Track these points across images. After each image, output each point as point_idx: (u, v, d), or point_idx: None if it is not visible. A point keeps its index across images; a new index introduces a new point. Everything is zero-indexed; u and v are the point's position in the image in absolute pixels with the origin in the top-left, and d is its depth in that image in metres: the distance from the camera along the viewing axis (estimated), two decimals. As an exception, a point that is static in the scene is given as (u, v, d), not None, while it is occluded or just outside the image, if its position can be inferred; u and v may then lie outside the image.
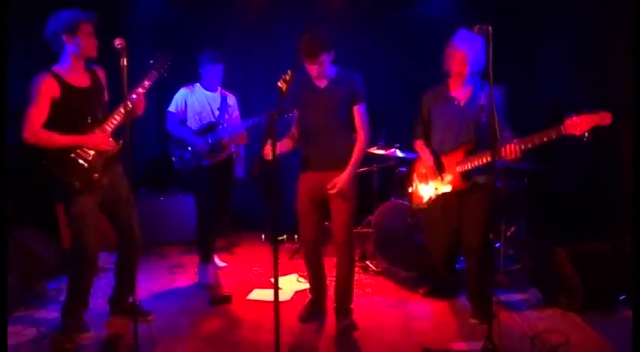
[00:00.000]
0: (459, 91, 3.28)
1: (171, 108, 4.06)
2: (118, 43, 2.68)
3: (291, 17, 5.33)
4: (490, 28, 2.63)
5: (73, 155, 2.91)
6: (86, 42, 2.90)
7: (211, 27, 5.38)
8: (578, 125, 2.72)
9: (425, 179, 3.43)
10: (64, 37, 2.88)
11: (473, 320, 3.27)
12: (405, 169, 4.57)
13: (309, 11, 5.27)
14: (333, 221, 3.23)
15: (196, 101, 4.06)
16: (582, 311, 3.30)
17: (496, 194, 3.33)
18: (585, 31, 4.44)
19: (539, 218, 4.57)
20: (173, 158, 4.04)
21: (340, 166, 3.14)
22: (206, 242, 4.12)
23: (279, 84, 2.62)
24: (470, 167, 3.16)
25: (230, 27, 5.47)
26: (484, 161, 3.08)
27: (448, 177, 3.28)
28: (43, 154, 2.87)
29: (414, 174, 3.55)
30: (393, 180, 4.65)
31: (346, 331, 3.16)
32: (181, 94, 4.07)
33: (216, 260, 4.38)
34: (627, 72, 3.85)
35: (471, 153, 3.18)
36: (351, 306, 3.29)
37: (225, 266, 4.43)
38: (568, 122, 2.76)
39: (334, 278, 3.33)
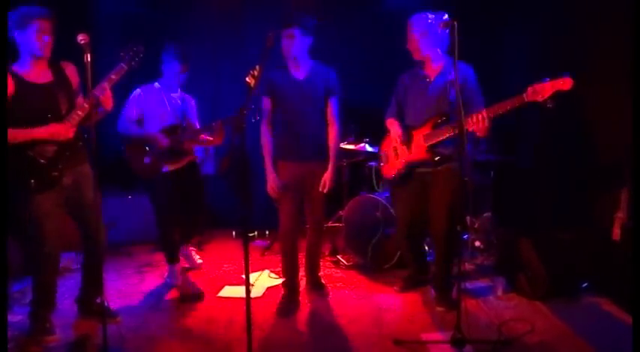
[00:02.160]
0: (430, 69, 3.34)
1: (126, 109, 3.78)
2: (80, 38, 2.62)
3: (262, 11, 5.31)
4: (456, 23, 2.68)
5: (31, 153, 2.82)
6: (35, 40, 2.80)
7: (180, 20, 5.30)
8: (540, 92, 2.75)
9: (394, 152, 3.48)
10: (16, 34, 2.81)
11: (439, 308, 3.34)
12: (374, 164, 4.62)
13: (280, 4, 5.24)
14: (312, 206, 3.49)
15: (154, 101, 3.80)
16: (547, 299, 3.39)
17: (462, 179, 3.37)
18: (548, 26, 4.54)
19: (505, 209, 4.68)
20: (131, 164, 3.79)
21: (319, 157, 3.39)
22: (169, 243, 3.96)
23: (247, 79, 2.60)
24: (437, 139, 3.20)
25: (199, 21, 5.40)
26: (451, 133, 3.11)
27: (416, 149, 3.32)
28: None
29: (384, 150, 3.60)
30: (363, 174, 4.69)
31: (324, 294, 3.64)
32: (137, 95, 3.79)
33: (193, 254, 4.34)
34: (592, 64, 3.96)
35: (438, 126, 3.22)
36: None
37: (201, 263, 4.34)
38: (530, 90, 2.78)
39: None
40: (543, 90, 2.75)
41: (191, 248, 4.35)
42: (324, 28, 5.18)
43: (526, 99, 2.81)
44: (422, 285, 3.70)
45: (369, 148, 4.43)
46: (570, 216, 4.14)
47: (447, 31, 3.10)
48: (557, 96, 2.74)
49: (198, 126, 3.97)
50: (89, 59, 2.60)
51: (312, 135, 3.36)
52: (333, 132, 3.41)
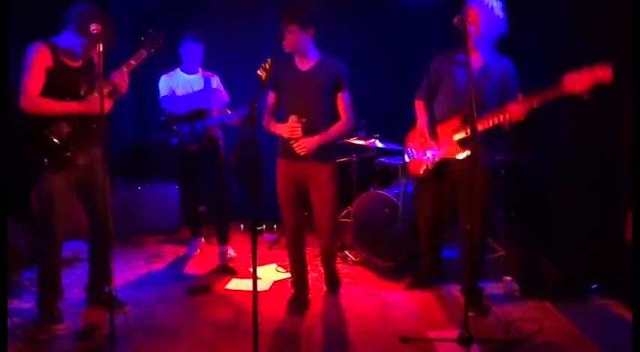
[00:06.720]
0: (473, 58, 3.00)
1: (162, 94, 4.09)
2: (93, 28, 2.63)
3: (274, 3, 5.28)
4: (464, 19, 2.65)
5: (47, 132, 2.84)
6: (91, 44, 2.82)
7: (191, 12, 5.28)
8: (577, 81, 2.51)
9: (422, 148, 3.33)
10: (73, 28, 2.83)
11: (470, 314, 2.87)
12: (384, 160, 4.60)
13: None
14: (316, 212, 3.28)
15: (179, 86, 4.09)
16: (556, 300, 3.36)
17: (490, 171, 3.18)
18: (562, 26, 4.49)
19: (515, 207, 4.63)
20: (172, 141, 4.08)
21: (320, 157, 3.13)
22: (191, 218, 4.50)
23: (258, 72, 2.59)
24: (466, 134, 3.03)
25: (211, 13, 5.38)
26: (482, 127, 2.92)
27: (445, 144, 3.19)
28: (18, 131, 2.82)
29: (411, 144, 3.47)
30: (373, 170, 4.67)
31: (335, 291, 3.59)
32: (164, 81, 4.11)
33: (230, 250, 4.31)
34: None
35: (468, 119, 2.95)
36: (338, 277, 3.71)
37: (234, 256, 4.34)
38: (567, 79, 2.54)
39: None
40: (582, 79, 2.51)
41: (228, 247, 4.31)
42: (335, 22, 5.20)
43: (563, 91, 2.59)
44: (430, 285, 3.65)
45: (379, 144, 4.40)
46: (582, 217, 4.10)
47: (503, 20, 3.03)
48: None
49: (225, 100, 4.16)
50: (102, 49, 2.61)
51: (312, 131, 3.08)
52: (342, 120, 3.17)
